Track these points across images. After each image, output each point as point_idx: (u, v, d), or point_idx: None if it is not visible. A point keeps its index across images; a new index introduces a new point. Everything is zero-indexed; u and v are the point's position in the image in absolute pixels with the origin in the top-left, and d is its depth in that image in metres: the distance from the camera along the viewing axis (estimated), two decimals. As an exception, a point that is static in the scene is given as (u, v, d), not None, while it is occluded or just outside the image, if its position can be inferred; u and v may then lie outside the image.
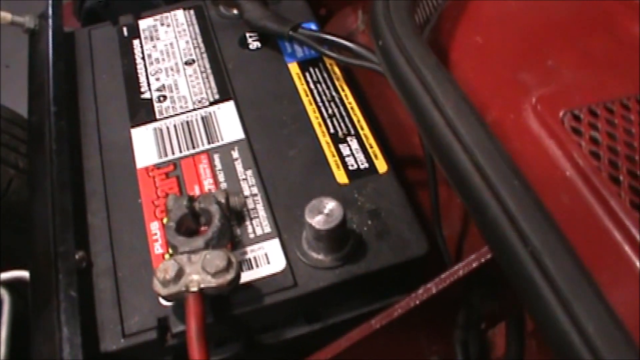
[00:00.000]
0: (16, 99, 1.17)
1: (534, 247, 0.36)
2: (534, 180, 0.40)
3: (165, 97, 0.79)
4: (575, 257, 0.35)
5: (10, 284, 0.74)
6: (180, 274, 0.57)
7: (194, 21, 0.89)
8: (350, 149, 0.70)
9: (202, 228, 0.64)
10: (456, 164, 0.42)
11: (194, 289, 0.56)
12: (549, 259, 0.35)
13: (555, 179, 0.41)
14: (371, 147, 0.70)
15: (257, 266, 0.62)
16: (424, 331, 0.63)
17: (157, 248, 0.65)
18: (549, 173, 0.41)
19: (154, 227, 0.66)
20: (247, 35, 0.86)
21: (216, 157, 0.71)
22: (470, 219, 0.75)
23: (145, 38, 0.88)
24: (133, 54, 0.86)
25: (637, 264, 0.37)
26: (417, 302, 0.57)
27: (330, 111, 0.74)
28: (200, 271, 0.57)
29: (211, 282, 0.56)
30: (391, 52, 0.49)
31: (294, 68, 0.80)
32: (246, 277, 0.61)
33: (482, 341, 0.70)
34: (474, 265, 0.56)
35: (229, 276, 0.57)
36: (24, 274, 0.72)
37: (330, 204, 0.60)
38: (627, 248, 0.38)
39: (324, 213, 0.59)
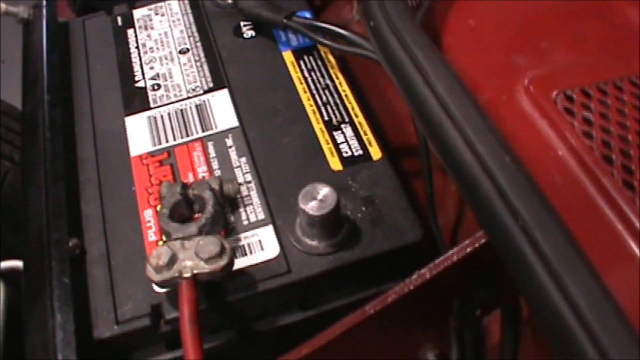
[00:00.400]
0: (13, 94, 1.16)
1: (525, 221, 0.36)
2: (526, 159, 0.40)
3: (159, 85, 0.79)
4: (566, 231, 0.35)
5: (4, 275, 0.74)
6: (173, 260, 0.57)
7: (188, 10, 0.89)
8: (345, 136, 0.70)
9: (196, 215, 0.64)
10: (447, 141, 0.41)
11: (187, 275, 0.56)
12: (540, 233, 0.35)
13: (548, 158, 0.41)
14: (365, 135, 0.70)
15: (251, 253, 0.62)
16: (419, 318, 0.63)
17: (151, 235, 0.65)
18: (542, 153, 0.41)
19: (148, 214, 0.66)
20: (242, 24, 0.85)
21: (210, 144, 0.71)
22: (465, 208, 0.75)
23: (140, 27, 0.88)
24: (127, 43, 0.86)
25: (629, 241, 0.37)
26: (411, 288, 0.57)
27: (324, 99, 0.74)
28: (194, 257, 0.57)
29: (204, 268, 0.56)
30: (382, 32, 0.49)
31: (288, 56, 0.80)
32: (240, 263, 0.61)
33: (477, 329, 0.70)
34: (468, 250, 0.56)
35: (222, 262, 0.57)
36: (18, 263, 0.72)
37: (324, 190, 0.59)
38: (619, 226, 0.38)
39: (317, 199, 0.59)
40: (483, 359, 0.70)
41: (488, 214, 0.39)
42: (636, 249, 0.37)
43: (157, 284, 0.58)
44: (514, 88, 0.45)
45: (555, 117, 0.43)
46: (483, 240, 0.55)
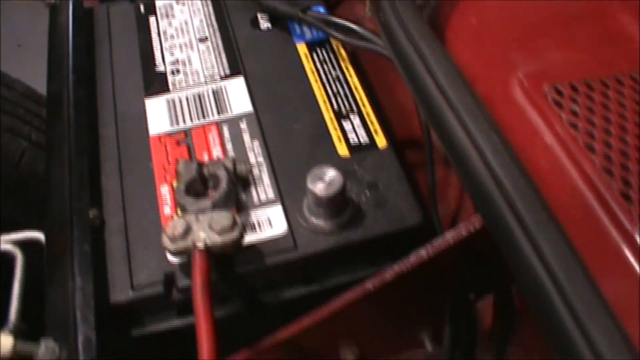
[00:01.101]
0: (29, 76, 1.21)
1: (507, 190, 0.40)
2: (516, 145, 0.44)
3: (178, 70, 0.83)
4: (543, 201, 0.40)
5: (22, 244, 0.78)
6: (188, 231, 0.61)
7: (208, 2, 0.93)
8: (352, 125, 0.74)
9: (210, 192, 0.68)
10: (444, 122, 0.46)
11: (201, 245, 0.60)
12: (519, 200, 0.40)
13: (535, 145, 0.45)
14: (372, 124, 0.74)
15: (260, 229, 0.66)
16: (415, 298, 0.67)
17: (167, 210, 0.69)
18: (531, 140, 0.45)
19: (164, 190, 0.70)
20: (259, 16, 0.90)
21: (225, 127, 0.75)
22: (465, 199, 0.79)
23: (161, 15, 0.92)
24: (149, 30, 0.90)
25: (604, 220, 0.41)
26: (409, 267, 0.61)
27: (334, 89, 0.78)
28: (207, 229, 0.61)
29: (217, 240, 0.60)
30: (391, 26, 0.53)
31: (302, 48, 0.84)
32: (249, 239, 0.65)
33: (471, 313, 0.73)
34: (464, 233, 0.60)
35: (234, 235, 0.61)
36: (37, 234, 0.76)
37: (331, 173, 0.63)
38: (597, 207, 0.42)
39: (325, 181, 0.63)
40: (476, 343, 0.74)
41: (475, 182, 0.43)
42: (612, 228, 0.41)
43: (172, 253, 0.62)
44: (509, 81, 0.49)
45: (545, 109, 0.47)
46: (478, 225, 0.59)
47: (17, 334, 0.61)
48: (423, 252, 0.61)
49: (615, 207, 0.42)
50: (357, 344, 0.70)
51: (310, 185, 0.63)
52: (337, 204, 0.64)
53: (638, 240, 0.40)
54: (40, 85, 0.93)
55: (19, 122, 1.13)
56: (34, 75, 1.10)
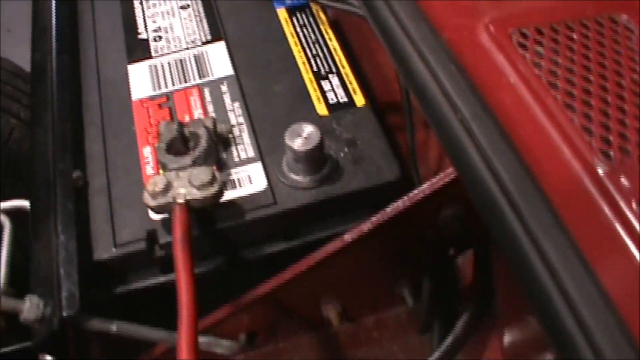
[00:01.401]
0: (19, 60, 1.22)
1: (463, 114, 0.41)
2: (481, 84, 0.45)
3: (160, 37, 0.84)
4: (499, 125, 0.41)
5: (10, 214, 0.79)
6: (168, 187, 0.62)
7: (190, -30, 0.94)
8: (331, 85, 0.75)
9: (190, 151, 0.69)
10: (405, 58, 0.47)
11: (181, 200, 0.61)
12: (474, 123, 0.41)
13: (500, 85, 0.46)
14: (350, 84, 0.75)
15: (240, 186, 0.67)
16: (394, 251, 0.68)
17: (149, 170, 0.70)
18: (495, 80, 0.46)
19: (147, 151, 0.71)
20: (239, -18, 0.90)
21: (206, 90, 0.76)
22: (444, 160, 0.80)
23: (143, -16, 0.93)
24: (132, -1, 0.91)
25: (565, 149, 0.42)
26: (386, 217, 0.62)
27: (314, 52, 0.79)
28: (187, 185, 0.62)
29: (196, 194, 0.61)
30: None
31: (282, 13, 0.85)
32: (230, 195, 0.66)
33: (451, 267, 0.75)
34: (439, 184, 0.61)
35: (213, 190, 0.62)
36: (24, 203, 0.77)
37: (309, 128, 0.64)
38: (558, 139, 0.43)
39: (302, 136, 0.64)
40: (457, 298, 0.75)
41: (433, 109, 0.45)
42: (573, 159, 0.42)
43: (153, 209, 0.63)
44: (475, 26, 0.50)
45: (510, 51, 0.48)
46: (453, 176, 0.61)
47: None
48: (399, 203, 0.62)
49: (578, 141, 0.43)
50: (338, 300, 0.71)
51: (288, 141, 0.64)
52: (315, 160, 0.66)
53: (599, 171, 0.41)
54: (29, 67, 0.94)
55: (8, 100, 1.13)
56: (24, 60, 1.11)
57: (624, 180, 0.41)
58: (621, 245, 0.40)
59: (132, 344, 0.66)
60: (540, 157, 0.42)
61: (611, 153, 0.43)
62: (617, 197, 0.41)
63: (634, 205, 0.40)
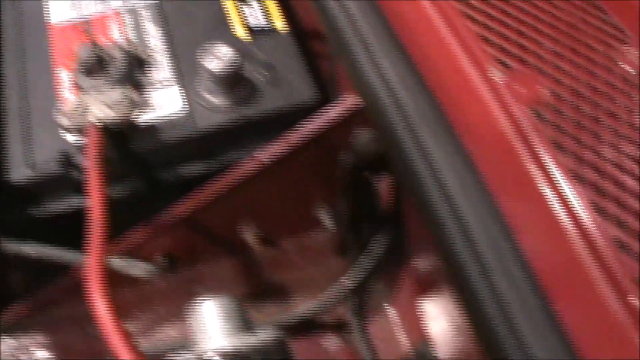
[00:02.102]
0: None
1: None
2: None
3: (81, -38, 0.82)
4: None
5: None
6: (83, 107, 0.61)
7: None
8: (252, 9, 0.75)
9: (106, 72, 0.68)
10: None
11: (94, 120, 0.61)
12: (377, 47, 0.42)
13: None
14: (273, 10, 0.75)
15: (158, 108, 0.67)
16: (308, 173, 0.68)
17: (66, 93, 0.69)
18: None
19: (64, 75, 0.71)
20: None
21: (127, 15, 0.75)
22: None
23: None
24: None
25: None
26: (299, 137, 0.63)
27: (237, -22, 0.79)
28: (101, 106, 0.62)
29: (110, 114, 0.61)
30: None
31: (207, -60, 0.84)
32: (147, 117, 0.66)
33: (367, 189, 0.75)
34: (348, 104, 0.61)
35: (127, 109, 0.61)
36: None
37: (224, 49, 0.64)
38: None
39: (216, 56, 0.64)
40: (374, 220, 0.76)
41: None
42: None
43: (68, 130, 0.62)
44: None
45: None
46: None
47: None
48: (308, 123, 0.62)
49: (476, 50, 0.44)
50: (256, 222, 0.72)
51: (203, 62, 0.64)
52: (232, 80, 0.66)
53: (496, 78, 0.42)
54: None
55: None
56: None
57: (519, 87, 0.42)
58: (509, 148, 0.41)
59: (51, 268, 0.67)
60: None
61: (509, 62, 0.44)
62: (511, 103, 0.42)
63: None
